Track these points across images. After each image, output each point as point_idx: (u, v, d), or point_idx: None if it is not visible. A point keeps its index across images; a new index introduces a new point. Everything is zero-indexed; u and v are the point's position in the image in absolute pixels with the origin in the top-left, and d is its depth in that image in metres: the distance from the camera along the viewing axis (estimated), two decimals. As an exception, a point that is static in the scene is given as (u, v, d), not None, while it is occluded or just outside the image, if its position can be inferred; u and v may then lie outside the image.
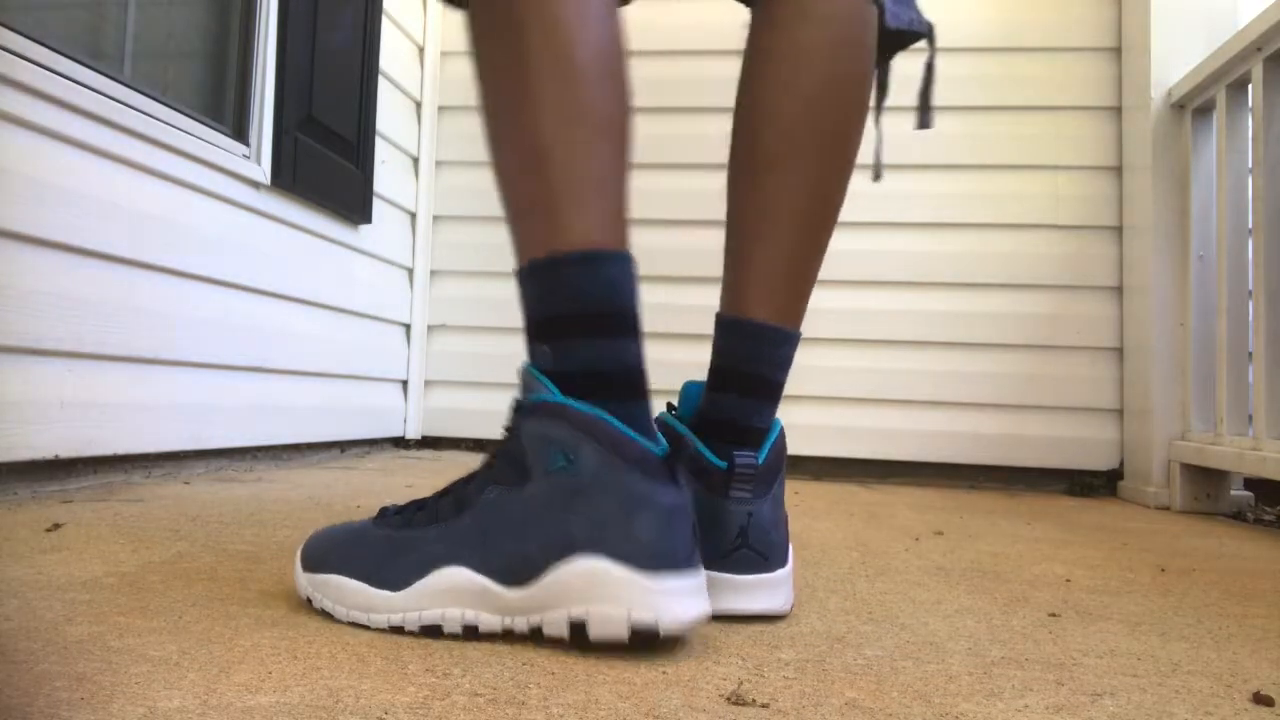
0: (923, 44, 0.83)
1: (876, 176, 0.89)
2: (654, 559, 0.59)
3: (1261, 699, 0.56)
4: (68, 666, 0.53)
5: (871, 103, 0.80)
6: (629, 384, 0.64)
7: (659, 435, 0.64)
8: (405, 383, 2.38)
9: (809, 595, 0.82)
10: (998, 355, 2.18)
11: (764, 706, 0.51)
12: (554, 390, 0.63)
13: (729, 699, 0.52)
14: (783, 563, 0.72)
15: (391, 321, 2.30)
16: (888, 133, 2.22)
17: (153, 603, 0.68)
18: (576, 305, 0.63)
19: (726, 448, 0.73)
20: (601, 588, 0.59)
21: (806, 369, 2.22)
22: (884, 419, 2.20)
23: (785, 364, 0.77)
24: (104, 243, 1.32)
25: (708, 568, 0.71)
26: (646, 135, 2.34)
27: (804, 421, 2.21)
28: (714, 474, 0.72)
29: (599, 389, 0.63)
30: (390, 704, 0.49)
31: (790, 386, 2.23)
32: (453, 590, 0.62)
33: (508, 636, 0.63)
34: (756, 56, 0.77)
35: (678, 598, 0.59)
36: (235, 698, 0.49)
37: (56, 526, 0.97)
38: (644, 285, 2.29)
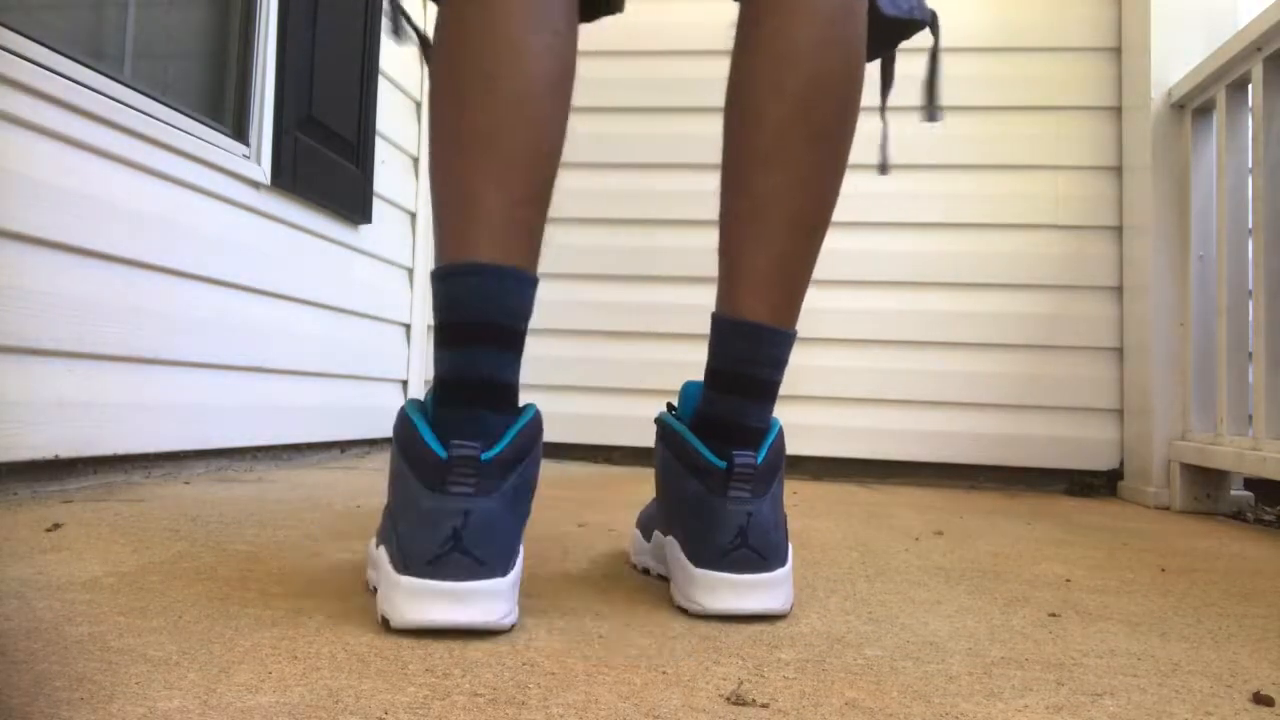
0: (926, 34, 0.83)
1: (883, 170, 0.89)
2: (402, 559, 0.62)
3: (1261, 699, 0.56)
4: (68, 666, 0.53)
5: (876, 95, 0.80)
6: (460, 389, 0.66)
7: (484, 442, 0.64)
8: (405, 383, 2.38)
9: (809, 595, 0.82)
10: (998, 355, 2.18)
11: (764, 706, 0.51)
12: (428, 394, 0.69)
13: (729, 699, 0.52)
14: (782, 562, 0.72)
15: (391, 321, 2.30)
16: (893, 130, 2.22)
17: (153, 603, 0.68)
18: (438, 316, 0.69)
19: (725, 447, 0.73)
20: (383, 579, 0.64)
21: (806, 369, 2.22)
22: (884, 419, 2.20)
23: (781, 364, 0.77)
24: (104, 243, 1.32)
25: (708, 568, 0.70)
26: (645, 135, 2.34)
27: (804, 421, 2.21)
28: (713, 474, 0.72)
29: (439, 393, 0.67)
30: (390, 704, 0.49)
31: (790, 386, 2.21)
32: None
33: (509, 635, 0.63)
34: (744, 54, 0.77)
35: (414, 599, 0.61)
36: (235, 698, 0.49)
37: (56, 526, 0.97)
38: (646, 285, 2.30)
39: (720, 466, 0.72)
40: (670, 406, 0.83)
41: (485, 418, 0.66)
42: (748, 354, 0.75)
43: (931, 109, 0.88)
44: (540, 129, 0.69)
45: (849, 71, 0.75)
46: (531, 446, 0.67)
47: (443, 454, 0.63)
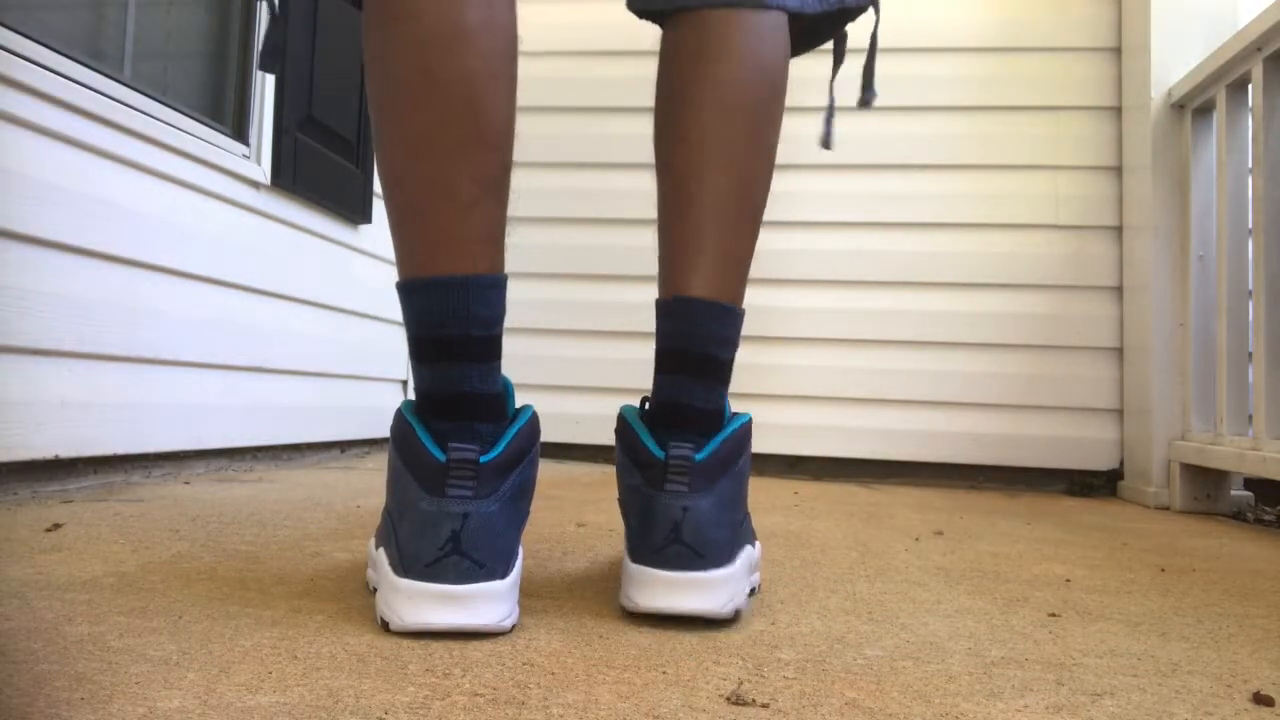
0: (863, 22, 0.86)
1: (826, 144, 0.90)
2: (401, 561, 0.63)
3: (1261, 699, 0.56)
4: (68, 666, 0.53)
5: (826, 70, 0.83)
6: (445, 405, 0.66)
7: (482, 445, 0.64)
8: (405, 383, 2.38)
9: (809, 595, 0.82)
10: (998, 355, 2.18)
11: (764, 706, 0.51)
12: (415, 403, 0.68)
13: (729, 699, 0.52)
14: (723, 563, 0.68)
15: (391, 321, 2.30)
16: (893, 130, 2.22)
17: (153, 603, 0.68)
18: (410, 330, 0.69)
19: (679, 434, 0.71)
20: (382, 581, 0.64)
21: (806, 369, 2.22)
22: (884, 419, 2.20)
23: (724, 340, 0.75)
24: (104, 243, 1.32)
25: (642, 563, 0.68)
26: (643, 135, 2.34)
27: (804, 421, 2.21)
28: (653, 466, 0.69)
29: (428, 406, 0.67)
30: (390, 704, 0.49)
31: (790, 386, 2.23)
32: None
33: (510, 635, 0.63)
34: (665, 73, 0.80)
35: (413, 602, 0.61)
36: (235, 698, 0.49)
37: (56, 526, 0.97)
38: (647, 285, 2.30)
39: (659, 458, 0.69)
40: (644, 402, 0.80)
41: (478, 429, 0.66)
42: (686, 329, 0.74)
43: (867, 93, 0.89)
44: (486, 119, 0.67)
45: (767, 95, 0.78)
46: (529, 448, 0.67)
47: (441, 457, 0.63)
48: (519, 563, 0.67)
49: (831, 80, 0.89)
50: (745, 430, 0.74)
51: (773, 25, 0.77)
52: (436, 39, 0.65)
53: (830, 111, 0.90)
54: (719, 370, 0.75)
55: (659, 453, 0.70)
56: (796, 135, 2.31)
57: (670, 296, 0.75)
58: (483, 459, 0.63)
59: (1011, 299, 2.18)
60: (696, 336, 0.74)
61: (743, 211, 0.77)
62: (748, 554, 0.74)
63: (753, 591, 0.80)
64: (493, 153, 0.68)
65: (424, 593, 0.61)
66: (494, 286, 0.68)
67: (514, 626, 0.65)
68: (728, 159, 0.76)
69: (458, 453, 0.63)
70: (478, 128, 0.67)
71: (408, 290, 0.68)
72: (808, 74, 2.57)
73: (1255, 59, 1.59)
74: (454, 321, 0.66)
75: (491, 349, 0.68)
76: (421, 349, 0.67)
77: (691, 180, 0.76)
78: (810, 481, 2.08)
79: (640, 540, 0.69)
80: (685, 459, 0.68)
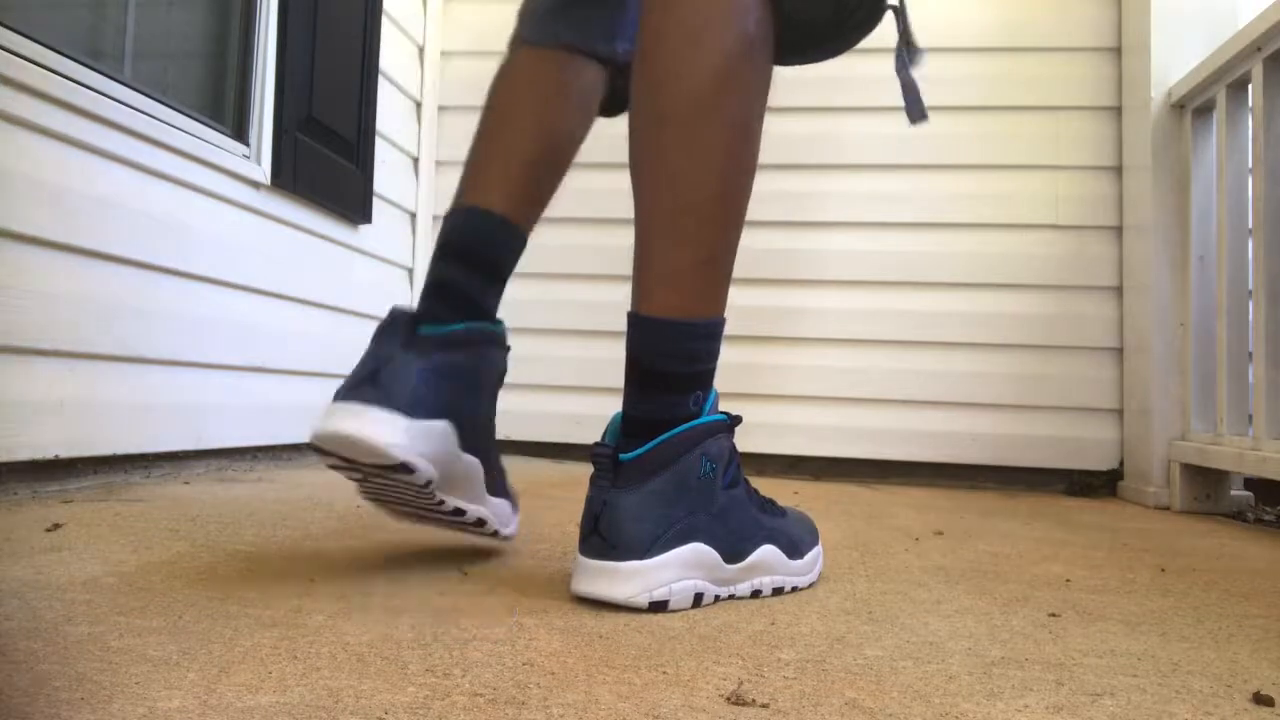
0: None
1: (914, 119, 0.89)
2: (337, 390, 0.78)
3: (1261, 699, 0.56)
4: (68, 666, 0.53)
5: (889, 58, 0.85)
6: (430, 286, 0.86)
7: (454, 314, 0.82)
8: (405, 383, 2.38)
9: (809, 595, 0.82)
10: (997, 355, 2.18)
11: (764, 706, 0.51)
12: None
13: (729, 699, 0.52)
14: (638, 555, 0.72)
15: (391, 321, 2.30)
16: (893, 130, 2.21)
17: (153, 603, 0.68)
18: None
19: (628, 438, 0.76)
20: None
21: (807, 369, 2.22)
22: (884, 419, 2.20)
23: (681, 355, 0.77)
24: (104, 243, 1.32)
25: (578, 550, 0.75)
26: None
27: (804, 421, 2.21)
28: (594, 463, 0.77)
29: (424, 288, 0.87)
30: (390, 704, 0.49)
31: (790, 386, 2.23)
32: None
33: (510, 635, 0.63)
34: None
35: (325, 416, 0.75)
36: (235, 698, 0.49)
37: (56, 526, 0.97)
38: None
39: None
40: None
41: (446, 303, 0.84)
42: (638, 345, 0.78)
43: (909, 57, 0.87)
44: (558, 151, 0.93)
45: (690, 69, 0.76)
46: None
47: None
48: (440, 429, 0.77)
49: (896, 54, 0.86)
50: (695, 432, 0.76)
51: (706, 22, 0.76)
52: (499, 91, 0.97)
53: (912, 89, 0.87)
54: (675, 382, 0.77)
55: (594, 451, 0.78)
56: (796, 135, 2.32)
57: (636, 312, 0.78)
58: (423, 330, 0.80)
59: (1011, 299, 2.18)
60: (646, 353, 0.77)
61: (687, 220, 0.77)
62: (695, 551, 0.75)
63: (786, 590, 0.83)
64: (539, 156, 0.94)
65: (334, 409, 0.75)
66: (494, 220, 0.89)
67: (405, 462, 0.73)
68: (663, 170, 0.77)
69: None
70: (518, 130, 0.94)
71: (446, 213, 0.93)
72: (804, 74, 2.57)
73: (1255, 59, 1.59)
74: (447, 234, 0.89)
75: (479, 262, 0.88)
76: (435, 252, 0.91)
77: (636, 196, 0.79)
78: (810, 481, 2.08)
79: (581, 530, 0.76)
80: (605, 457, 0.75)
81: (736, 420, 0.81)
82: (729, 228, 0.79)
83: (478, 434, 0.83)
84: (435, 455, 0.77)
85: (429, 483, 0.77)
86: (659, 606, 0.73)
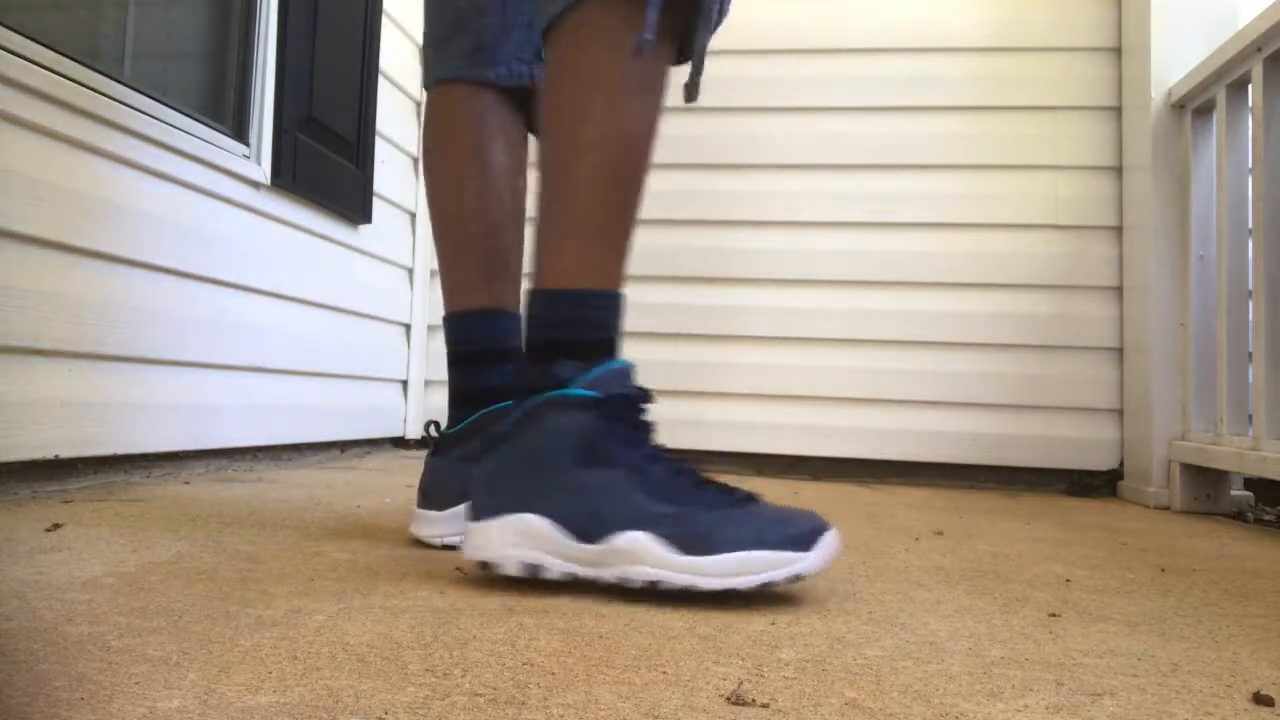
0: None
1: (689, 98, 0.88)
2: None
3: (1261, 699, 0.56)
4: (68, 666, 0.53)
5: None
6: (456, 396, 1.03)
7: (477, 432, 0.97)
8: (405, 383, 2.38)
9: (809, 595, 0.82)
10: (997, 355, 2.18)
11: (764, 706, 0.51)
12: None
13: (729, 699, 0.52)
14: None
15: (391, 321, 2.30)
16: (893, 130, 2.22)
17: (153, 603, 0.68)
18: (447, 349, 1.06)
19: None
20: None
21: (807, 369, 2.22)
22: (884, 419, 2.20)
23: (542, 323, 0.82)
24: (104, 243, 1.32)
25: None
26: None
27: (804, 421, 2.21)
28: None
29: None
30: (390, 704, 0.49)
31: (790, 386, 2.23)
32: None
33: (510, 635, 0.63)
34: None
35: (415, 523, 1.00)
36: (235, 698, 0.49)
37: (56, 526, 0.97)
38: (652, 285, 2.30)
39: None
40: None
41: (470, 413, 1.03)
42: (529, 317, 0.85)
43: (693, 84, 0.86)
44: (493, 219, 1.02)
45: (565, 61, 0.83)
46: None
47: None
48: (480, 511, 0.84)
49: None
50: (537, 409, 0.79)
51: (576, 21, 0.80)
52: (438, 192, 1.08)
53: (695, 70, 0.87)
54: (541, 351, 0.81)
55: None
56: (797, 135, 2.32)
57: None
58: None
59: (1011, 299, 2.18)
60: (527, 323, 0.84)
61: (552, 197, 0.83)
62: (524, 520, 0.77)
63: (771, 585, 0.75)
64: (495, 241, 1.05)
65: (425, 518, 1.01)
66: (497, 314, 1.06)
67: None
68: (543, 155, 0.84)
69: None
70: (484, 226, 1.06)
71: (444, 320, 1.10)
72: (804, 75, 2.57)
73: (1255, 59, 1.59)
74: (455, 340, 1.06)
75: (492, 356, 1.05)
76: (449, 359, 1.08)
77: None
78: (810, 481, 2.08)
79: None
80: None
81: (634, 400, 0.79)
82: (592, 205, 0.82)
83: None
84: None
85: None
86: (485, 566, 0.79)
